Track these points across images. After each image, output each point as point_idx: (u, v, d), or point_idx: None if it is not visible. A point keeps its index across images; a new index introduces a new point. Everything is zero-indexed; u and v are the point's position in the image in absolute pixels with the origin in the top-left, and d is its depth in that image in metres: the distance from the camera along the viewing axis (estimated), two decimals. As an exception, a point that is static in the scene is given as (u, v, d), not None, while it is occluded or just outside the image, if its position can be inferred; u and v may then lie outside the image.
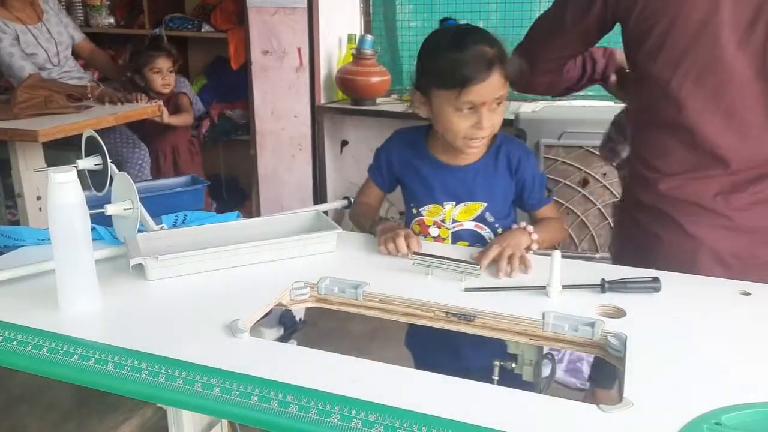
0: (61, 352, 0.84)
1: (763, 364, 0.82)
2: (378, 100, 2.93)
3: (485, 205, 1.27)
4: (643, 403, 0.74)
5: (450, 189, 1.27)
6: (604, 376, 1.49)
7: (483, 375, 0.96)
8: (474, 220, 1.27)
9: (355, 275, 1.05)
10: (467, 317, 0.96)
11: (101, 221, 1.23)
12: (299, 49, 2.92)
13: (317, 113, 2.96)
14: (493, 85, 1.15)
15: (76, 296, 0.94)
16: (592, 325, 0.91)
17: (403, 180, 1.32)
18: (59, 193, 0.90)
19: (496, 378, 1.00)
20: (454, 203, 1.27)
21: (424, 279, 1.06)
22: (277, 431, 0.74)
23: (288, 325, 1.04)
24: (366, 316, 1.03)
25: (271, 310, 1.00)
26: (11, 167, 2.63)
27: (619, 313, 0.95)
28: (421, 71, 1.23)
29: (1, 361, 0.86)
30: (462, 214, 1.27)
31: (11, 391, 2.15)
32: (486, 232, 1.27)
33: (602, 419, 0.72)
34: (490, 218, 1.28)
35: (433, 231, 1.28)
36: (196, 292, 1.02)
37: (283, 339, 1.10)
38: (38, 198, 2.69)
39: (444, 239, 1.28)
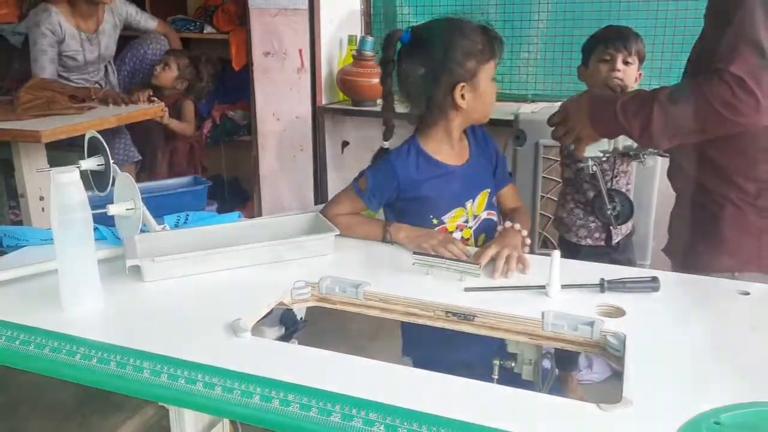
0: (64, 351, 0.85)
1: (761, 363, 0.83)
2: (379, 101, 2.93)
3: (489, 190, 1.32)
4: (643, 402, 0.75)
5: (466, 187, 1.29)
6: (565, 360, 1.51)
7: (483, 371, 0.96)
8: (487, 209, 1.31)
9: (355, 275, 1.06)
10: (467, 317, 0.96)
11: (105, 221, 1.24)
12: (300, 51, 2.93)
13: (318, 114, 2.96)
14: None
15: (78, 296, 0.95)
16: (591, 324, 0.91)
17: (412, 198, 1.28)
18: (62, 193, 0.90)
19: (496, 377, 1.01)
20: (472, 200, 1.29)
21: (425, 279, 1.06)
22: (278, 430, 0.74)
23: (289, 325, 1.05)
24: (367, 315, 1.03)
25: (272, 310, 1.00)
26: (14, 168, 2.64)
27: (618, 312, 0.95)
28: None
29: (3, 360, 0.87)
30: (478, 207, 1.31)
31: (14, 391, 2.15)
32: (494, 216, 1.32)
33: (602, 418, 0.72)
34: (495, 202, 1.34)
35: (457, 235, 1.28)
36: (198, 292, 1.02)
37: (284, 338, 1.10)
38: (41, 198, 2.70)
39: (467, 240, 1.28)
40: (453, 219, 1.28)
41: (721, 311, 0.98)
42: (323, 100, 3.00)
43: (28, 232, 1.20)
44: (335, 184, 3.11)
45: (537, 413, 0.73)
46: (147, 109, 3.02)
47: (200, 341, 0.87)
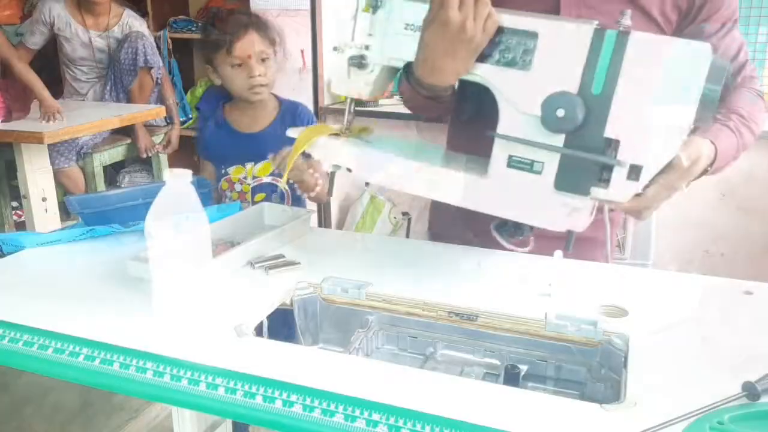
0: (67, 352, 0.85)
1: (765, 363, 0.83)
2: (380, 101, 2.94)
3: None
4: (646, 402, 0.75)
5: (250, 152, 1.60)
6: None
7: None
8: (273, 175, 1.60)
9: (358, 275, 1.06)
10: (470, 317, 0.96)
11: (105, 222, 1.24)
12: (302, 51, 2.93)
13: (320, 114, 2.96)
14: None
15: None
16: (594, 324, 0.91)
17: (212, 149, 1.68)
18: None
19: (502, 377, 1.01)
20: (254, 163, 1.60)
21: (427, 279, 1.06)
22: (281, 431, 0.74)
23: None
24: (369, 316, 1.03)
25: (275, 310, 1.00)
26: (17, 169, 2.65)
27: (621, 312, 0.95)
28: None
29: (7, 361, 0.87)
30: (260, 171, 1.61)
31: (17, 392, 2.15)
32: (280, 184, 1.59)
33: (605, 418, 0.72)
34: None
35: (237, 186, 1.62)
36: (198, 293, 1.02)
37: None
38: (44, 199, 2.71)
39: (246, 193, 1.62)
40: (234, 172, 1.62)
41: (724, 311, 0.97)
42: (325, 101, 3.01)
43: (26, 237, 1.20)
44: (337, 184, 3.11)
45: (538, 413, 0.73)
46: (149, 110, 3.03)
47: (203, 342, 0.87)
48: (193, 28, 3.54)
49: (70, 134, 2.60)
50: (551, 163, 0.88)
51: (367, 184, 1.13)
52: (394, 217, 3.07)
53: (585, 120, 0.84)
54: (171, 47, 3.57)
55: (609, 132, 0.84)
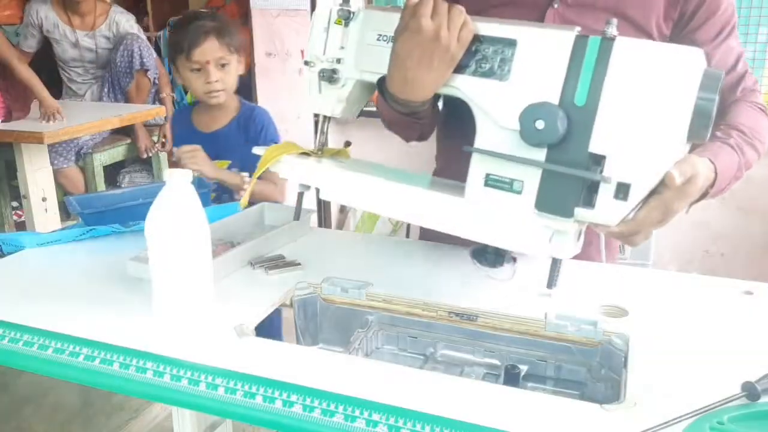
0: (67, 352, 0.85)
1: (765, 363, 0.83)
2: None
3: (229, 162, 1.70)
4: (646, 402, 0.75)
5: (207, 150, 1.64)
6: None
7: None
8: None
9: (357, 275, 1.06)
10: (470, 317, 0.96)
11: (105, 222, 1.24)
12: (302, 51, 2.93)
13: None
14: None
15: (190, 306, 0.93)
16: (594, 324, 0.91)
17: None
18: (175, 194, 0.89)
19: (502, 377, 1.01)
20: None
21: (427, 279, 1.06)
22: (281, 431, 0.74)
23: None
24: (369, 316, 1.03)
25: (274, 311, 1.00)
26: (17, 169, 2.65)
27: (621, 312, 0.95)
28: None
29: (6, 361, 0.87)
30: None
31: (17, 392, 2.15)
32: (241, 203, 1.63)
33: (605, 418, 0.72)
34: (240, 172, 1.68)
35: None
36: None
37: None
38: (44, 199, 2.71)
39: None
40: None
41: (725, 311, 0.97)
42: (325, 101, 3.00)
43: (26, 237, 1.20)
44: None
45: (538, 413, 0.73)
46: (149, 110, 3.03)
47: (203, 342, 0.87)
48: (193, 28, 3.54)
49: (70, 134, 2.60)
50: (532, 181, 0.82)
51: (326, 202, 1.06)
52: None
53: (567, 133, 0.78)
54: (171, 47, 3.56)
55: (594, 146, 0.77)
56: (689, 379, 0.79)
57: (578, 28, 0.80)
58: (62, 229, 1.31)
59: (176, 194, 0.89)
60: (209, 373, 0.79)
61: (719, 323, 0.94)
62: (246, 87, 3.22)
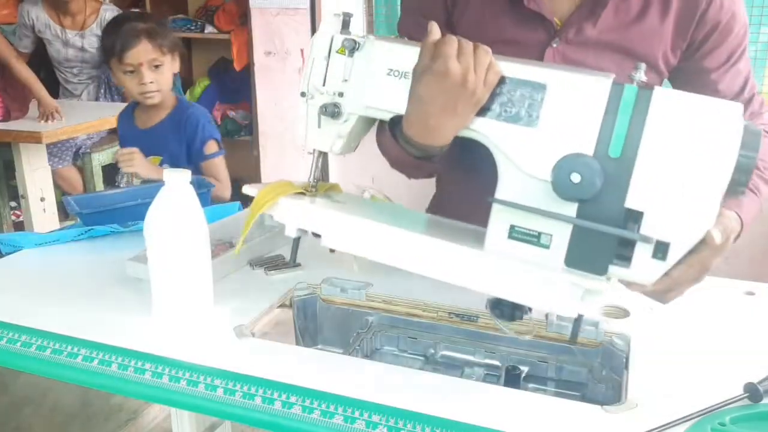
0: (65, 353, 0.85)
1: (767, 364, 0.82)
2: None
3: (161, 158, 1.76)
4: (647, 403, 0.74)
5: (141, 146, 1.72)
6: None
7: None
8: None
9: (357, 276, 1.05)
10: (470, 318, 0.96)
11: (103, 222, 1.24)
12: (302, 50, 2.93)
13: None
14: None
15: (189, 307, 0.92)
16: (595, 325, 0.91)
17: (122, 143, 1.93)
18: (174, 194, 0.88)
19: (502, 378, 1.00)
20: (144, 157, 1.72)
21: (427, 279, 1.06)
22: (280, 432, 0.74)
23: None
24: (369, 316, 1.03)
25: (274, 311, 1.00)
26: (15, 168, 2.64)
27: (622, 313, 0.95)
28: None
29: (5, 362, 0.87)
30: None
31: (16, 393, 2.15)
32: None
33: (606, 420, 0.72)
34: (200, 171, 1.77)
35: (135, 180, 1.78)
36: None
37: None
38: (42, 199, 2.70)
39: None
40: None
41: (726, 312, 0.97)
42: (325, 100, 3.00)
43: (25, 238, 1.20)
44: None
45: (539, 414, 0.73)
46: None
47: (202, 343, 0.87)
48: (192, 27, 3.54)
49: (68, 134, 2.59)
50: (561, 235, 0.75)
51: (332, 250, 0.95)
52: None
53: (602, 187, 0.72)
54: (170, 46, 3.56)
55: (631, 202, 0.72)
56: (691, 380, 0.79)
57: (613, 75, 0.74)
58: (61, 229, 1.31)
59: (175, 194, 0.89)
60: (208, 374, 0.79)
61: (721, 324, 0.93)
62: (245, 86, 3.22)
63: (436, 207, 1.24)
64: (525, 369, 0.94)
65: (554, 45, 0.98)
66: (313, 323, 1.06)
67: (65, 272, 1.09)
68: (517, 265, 0.76)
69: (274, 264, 1.11)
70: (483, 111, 0.78)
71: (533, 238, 0.76)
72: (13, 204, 3.18)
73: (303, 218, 0.86)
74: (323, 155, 0.91)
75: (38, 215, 2.68)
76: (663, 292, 0.78)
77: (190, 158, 1.82)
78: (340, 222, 0.84)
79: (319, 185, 0.92)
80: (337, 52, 0.85)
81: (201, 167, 1.82)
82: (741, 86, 1.02)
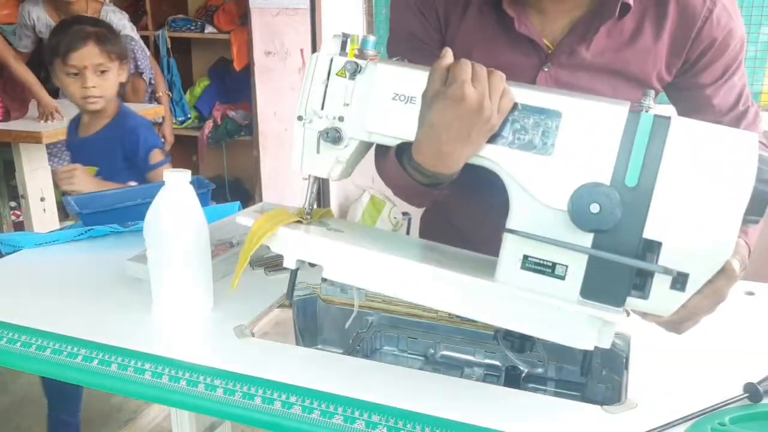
0: (65, 353, 0.85)
1: (767, 364, 0.82)
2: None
3: (96, 169, 1.68)
4: (647, 403, 0.74)
5: (78, 155, 1.75)
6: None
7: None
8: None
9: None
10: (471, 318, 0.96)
11: (103, 222, 1.24)
12: (302, 50, 2.93)
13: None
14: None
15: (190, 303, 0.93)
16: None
17: (68, 149, 1.93)
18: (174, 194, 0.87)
19: (502, 378, 1.00)
20: (84, 165, 1.65)
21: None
22: (280, 432, 0.74)
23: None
24: (369, 316, 1.03)
25: (273, 311, 1.00)
26: (15, 169, 2.65)
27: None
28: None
29: (5, 362, 0.87)
30: None
31: (16, 393, 2.15)
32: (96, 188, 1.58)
33: (606, 419, 0.72)
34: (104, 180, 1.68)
35: None
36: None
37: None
38: (42, 199, 2.70)
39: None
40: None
41: (726, 312, 0.97)
42: (324, 100, 3.00)
43: (25, 238, 1.20)
44: (337, 183, 3.12)
45: (539, 414, 0.73)
46: (149, 110, 3.02)
47: (202, 343, 0.87)
48: (192, 27, 3.54)
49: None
50: (577, 266, 0.73)
51: (324, 280, 0.89)
52: (394, 217, 3.07)
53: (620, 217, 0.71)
54: (170, 46, 3.56)
55: (649, 232, 0.71)
56: (691, 380, 0.79)
57: (629, 103, 0.73)
58: (61, 229, 1.31)
59: (175, 194, 0.89)
60: (208, 374, 0.79)
61: (721, 324, 0.93)
62: (245, 86, 3.22)
63: (436, 212, 1.21)
64: (525, 369, 0.94)
65: (546, 69, 0.96)
66: (313, 323, 1.06)
67: (65, 272, 1.09)
68: (530, 297, 0.74)
69: (274, 264, 1.11)
70: (495, 138, 0.76)
71: (547, 269, 0.75)
72: (13, 204, 3.19)
73: (302, 249, 0.83)
74: (317, 181, 0.88)
75: (38, 215, 2.68)
76: (678, 322, 0.76)
77: (136, 169, 1.77)
78: (342, 253, 0.81)
79: (314, 211, 0.90)
80: (336, 74, 0.82)
81: (148, 177, 1.76)
82: (735, 100, 1.00)
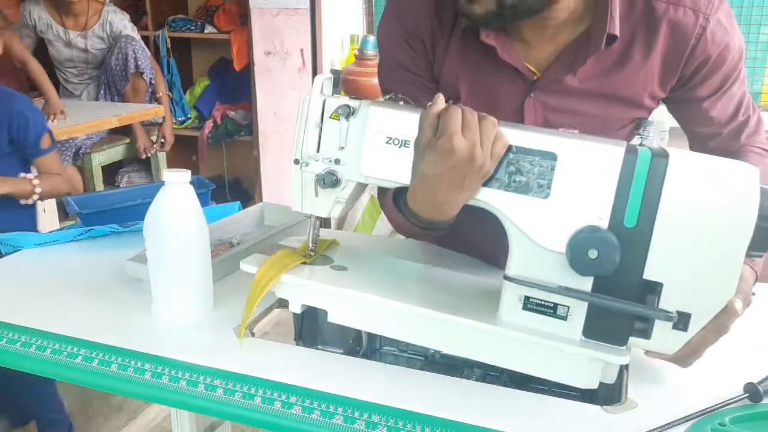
0: (65, 353, 0.85)
1: (767, 364, 0.82)
2: (380, 100, 2.93)
3: None
4: (647, 403, 0.74)
5: None
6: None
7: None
8: None
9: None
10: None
11: (103, 222, 1.24)
12: (302, 50, 2.93)
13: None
14: None
15: (187, 305, 0.93)
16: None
17: None
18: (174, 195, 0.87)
19: (503, 378, 1.00)
20: None
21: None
22: (280, 432, 0.74)
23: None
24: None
25: (273, 311, 1.00)
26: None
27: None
28: None
29: (5, 362, 0.87)
30: None
31: (16, 392, 2.15)
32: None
33: (606, 420, 0.72)
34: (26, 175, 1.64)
35: None
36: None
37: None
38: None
39: None
40: None
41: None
42: (324, 100, 3.00)
43: (25, 238, 1.20)
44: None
45: (539, 414, 0.73)
46: (148, 110, 3.02)
47: (202, 343, 0.87)
48: (192, 27, 3.53)
49: (69, 134, 2.59)
50: (579, 306, 0.73)
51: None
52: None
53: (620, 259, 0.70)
54: (170, 46, 3.56)
55: (649, 273, 0.70)
56: (691, 380, 0.79)
57: (625, 143, 0.72)
58: (61, 229, 1.31)
59: (175, 194, 0.89)
60: (208, 374, 0.79)
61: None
62: (245, 86, 3.22)
63: None
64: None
65: (533, 95, 0.94)
66: (313, 323, 1.06)
67: (65, 272, 1.09)
68: (532, 339, 0.74)
69: (274, 264, 1.10)
70: (490, 181, 0.75)
71: (549, 310, 0.75)
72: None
73: (307, 295, 0.84)
74: (318, 219, 0.88)
75: (38, 215, 2.67)
76: (683, 357, 0.76)
77: (22, 153, 1.69)
78: (345, 300, 0.82)
79: (318, 243, 0.91)
80: (330, 117, 0.81)
81: (36, 163, 1.70)
82: (734, 110, 0.99)
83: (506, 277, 0.76)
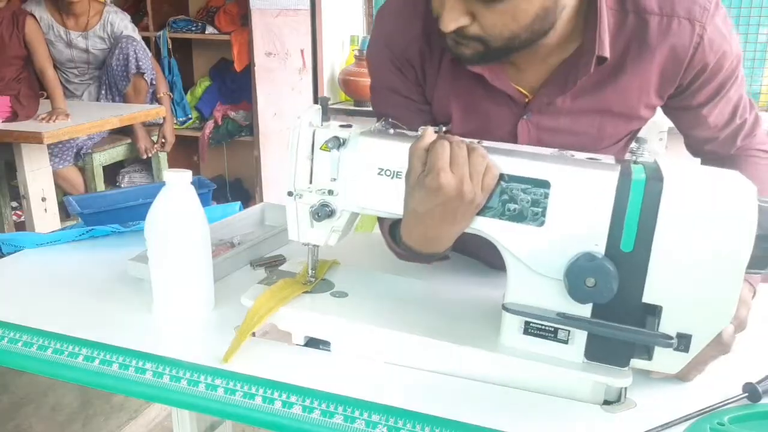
0: (66, 353, 0.85)
1: (766, 364, 0.82)
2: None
3: None
4: (646, 403, 0.74)
5: None
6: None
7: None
8: None
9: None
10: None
11: (104, 222, 1.24)
12: (302, 51, 2.93)
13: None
14: None
15: (188, 303, 0.93)
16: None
17: None
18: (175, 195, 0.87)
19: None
20: None
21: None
22: (280, 432, 0.74)
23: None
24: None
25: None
26: (17, 169, 2.65)
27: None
28: None
29: (6, 362, 0.87)
30: None
31: (16, 392, 2.15)
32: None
33: (605, 419, 0.72)
34: None
35: None
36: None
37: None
38: (43, 199, 2.70)
39: None
40: None
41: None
42: (325, 101, 3.00)
43: (26, 238, 1.20)
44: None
45: (539, 414, 0.73)
46: (149, 110, 3.03)
47: (202, 342, 0.87)
48: (193, 28, 3.54)
49: (70, 134, 2.60)
50: (580, 331, 0.74)
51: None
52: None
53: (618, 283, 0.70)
54: (171, 47, 3.57)
55: (648, 296, 0.70)
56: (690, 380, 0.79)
57: (620, 167, 0.72)
58: (62, 229, 1.31)
59: (176, 194, 0.89)
60: (209, 373, 0.79)
61: (720, 324, 0.93)
62: (246, 86, 3.23)
63: None
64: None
65: (525, 117, 0.93)
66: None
67: (66, 272, 1.09)
68: (534, 364, 0.75)
69: (274, 264, 1.11)
70: (484, 210, 0.75)
71: (550, 334, 0.76)
72: (14, 204, 3.19)
73: (309, 328, 0.85)
74: (316, 248, 0.89)
75: (39, 215, 2.68)
76: (686, 373, 0.78)
77: None
78: (347, 331, 0.83)
79: (320, 266, 0.92)
80: (320, 149, 0.81)
81: None
82: (731, 114, 0.98)
83: (504, 307, 0.76)
